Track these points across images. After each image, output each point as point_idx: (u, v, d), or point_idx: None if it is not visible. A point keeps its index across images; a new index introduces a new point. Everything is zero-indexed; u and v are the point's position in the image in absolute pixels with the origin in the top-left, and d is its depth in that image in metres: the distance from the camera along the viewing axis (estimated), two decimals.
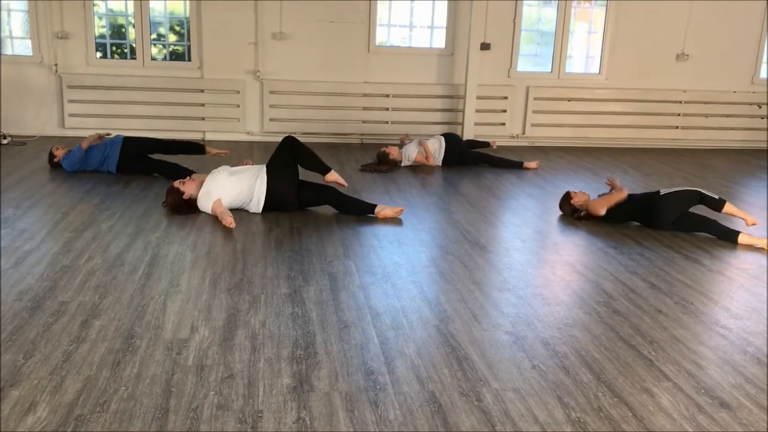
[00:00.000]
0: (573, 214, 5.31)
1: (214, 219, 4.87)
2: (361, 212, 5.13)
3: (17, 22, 7.90)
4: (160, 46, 8.25)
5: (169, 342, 2.98)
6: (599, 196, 5.37)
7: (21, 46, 7.90)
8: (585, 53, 9.01)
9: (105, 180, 5.91)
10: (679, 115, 8.90)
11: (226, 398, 2.56)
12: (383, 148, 7.00)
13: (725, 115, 8.97)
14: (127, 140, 6.18)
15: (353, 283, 3.78)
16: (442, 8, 8.39)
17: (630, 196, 5.22)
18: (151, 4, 7.97)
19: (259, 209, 5.08)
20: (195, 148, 6.32)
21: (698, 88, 8.87)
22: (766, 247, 4.70)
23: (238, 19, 7.93)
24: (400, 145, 7.17)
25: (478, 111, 8.24)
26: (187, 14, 8.03)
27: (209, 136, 8.09)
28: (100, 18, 8.05)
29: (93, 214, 4.90)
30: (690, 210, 5.06)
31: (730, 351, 3.12)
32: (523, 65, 8.69)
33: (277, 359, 2.86)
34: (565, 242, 4.74)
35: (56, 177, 5.94)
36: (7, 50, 7.84)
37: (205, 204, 4.99)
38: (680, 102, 8.86)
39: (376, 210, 5.07)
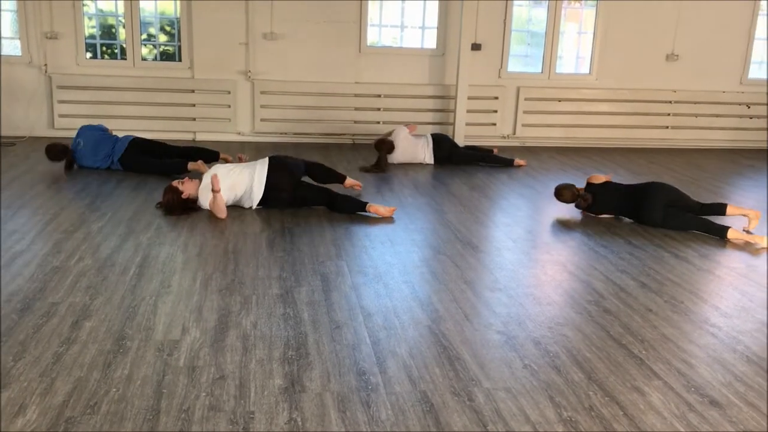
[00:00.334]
0: (575, 200, 5.37)
1: (206, 220, 4.86)
2: (353, 209, 5.15)
3: (6, 22, 7.84)
4: (151, 47, 8.22)
5: (160, 343, 2.97)
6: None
7: (10, 46, 7.85)
8: (575, 54, 9.04)
9: (95, 181, 5.89)
10: (668, 115, 8.94)
11: (217, 399, 2.55)
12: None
13: (714, 115, 9.02)
14: (134, 141, 6.32)
15: (345, 283, 3.78)
16: (433, 9, 8.40)
17: (623, 186, 5.40)
18: (142, 4, 7.94)
19: (256, 200, 5.12)
20: (210, 154, 6.41)
21: (688, 88, 8.92)
22: (758, 244, 4.79)
23: (229, 19, 7.91)
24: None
25: (469, 111, 8.25)
26: (178, 14, 8.00)
27: (200, 137, 8.07)
28: (89, 18, 8.01)
29: (83, 214, 4.87)
30: (679, 207, 5.14)
31: (720, 349, 3.14)
32: (513, 66, 8.70)
33: (268, 360, 2.86)
34: (555, 242, 4.76)
35: (46, 178, 5.91)
36: None
37: (205, 196, 5.00)
38: (670, 102, 8.90)
39: (368, 206, 5.11)
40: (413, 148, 7.19)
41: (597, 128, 8.79)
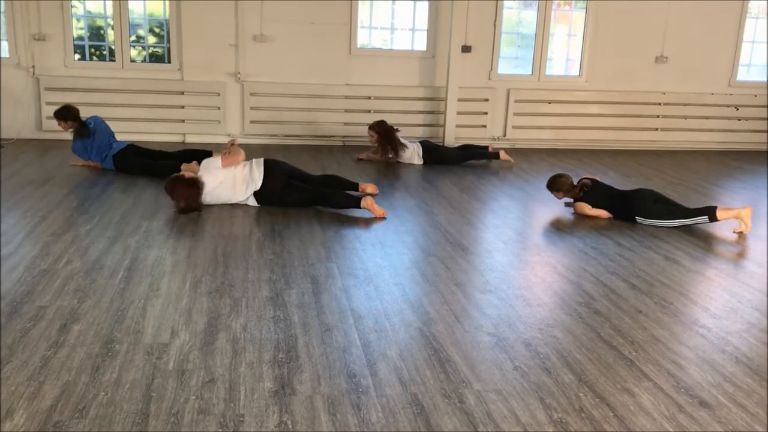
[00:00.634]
0: (572, 189, 5.44)
1: (195, 222, 4.84)
2: (345, 205, 5.25)
3: None
4: (140, 48, 8.19)
5: (149, 346, 2.95)
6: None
7: None
8: (565, 56, 9.06)
9: (84, 183, 5.85)
10: (658, 116, 8.98)
11: (207, 403, 2.54)
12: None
13: (703, 117, 9.07)
14: (129, 147, 6.39)
15: (335, 285, 3.77)
16: (423, 11, 8.40)
17: (613, 188, 5.53)
18: (130, 5, 7.91)
19: (258, 181, 5.25)
20: (203, 154, 6.38)
21: (677, 90, 8.96)
22: (741, 217, 5.00)
23: (219, 20, 7.89)
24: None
25: (459, 113, 8.26)
26: (167, 16, 7.97)
27: (189, 139, 8.03)
28: (78, 19, 7.97)
29: (71, 217, 4.84)
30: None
31: (709, 350, 3.16)
32: (503, 68, 8.72)
33: (258, 363, 2.85)
34: (546, 244, 4.77)
35: (34, 180, 5.87)
36: None
37: (209, 175, 5.22)
38: (659, 104, 8.94)
39: (362, 201, 5.16)
40: (407, 151, 7.30)
41: (587, 130, 8.82)
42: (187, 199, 5.07)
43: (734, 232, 5.05)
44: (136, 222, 4.79)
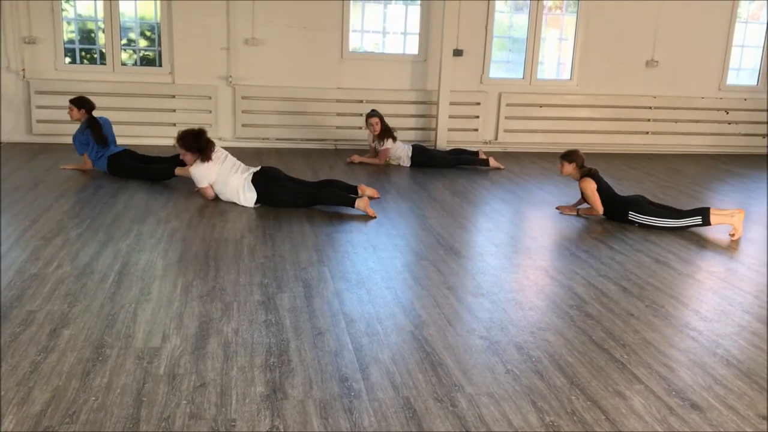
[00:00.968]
0: (581, 167, 5.49)
1: (186, 226, 4.83)
2: (340, 199, 5.34)
3: None
4: (131, 52, 8.16)
5: (140, 351, 2.94)
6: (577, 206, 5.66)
7: None
8: (556, 60, 9.10)
9: (74, 186, 5.83)
10: (649, 120, 9.03)
11: (198, 407, 2.52)
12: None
13: (694, 121, 9.12)
14: (125, 152, 6.40)
15: (327, 289, 3.76)
16: (415, 14, 8.42)
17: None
18: (121, 8, 7.89)
19: (254, 168, 5.49)
20: None
21: (667, 93, 9.01)
22: (733, 223, 5.03)
23: (210, 24, 7.88)
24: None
25: (451, 117, 8.28)
26: (158, 19, 7.96)
27: None
28: (68, 23, 7.95)
29: (62, 221, 4.82)
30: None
31: (700, 353, 3.17)
32: (495, 71, 8.75)
33: (250, 367, 2.84)
34: (537, 247, 4.78)
35: (24, 184, 5.83)
36: None
37: (200, 170, 5.48)
38: (650, 108, 8.99)
39: (356, 202, 5.26)
40: (396, 150, 7.38)
41: (578, 134, 8.86)
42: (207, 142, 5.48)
43: (729, 234, 5.07)
44: (126, 226, 4.77)
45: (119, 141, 6.67)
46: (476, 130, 8.64)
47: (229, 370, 2.80)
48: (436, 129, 8.28)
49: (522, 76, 8.78)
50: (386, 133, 7.31)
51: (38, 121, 7.78)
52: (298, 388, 2.68)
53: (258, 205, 5.42)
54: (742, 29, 9.18)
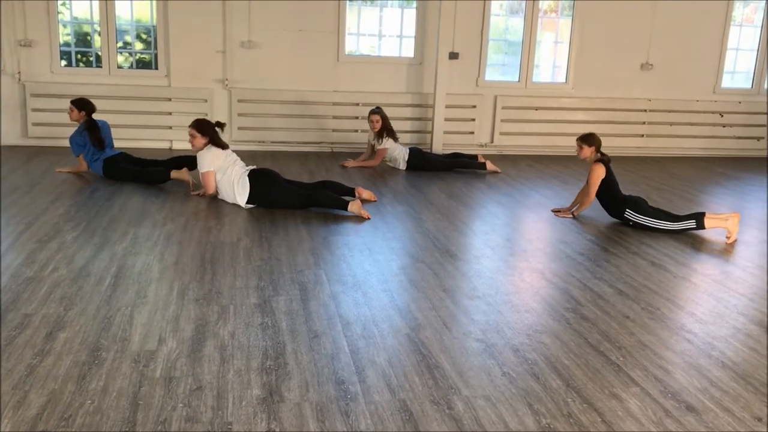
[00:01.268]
0: (598, 151, 5.55)
1: (182, 229, 4.82)
2: (334, 202, 5.38)
3: None
4: (127, 54, 8.16)
5: (137, 354, 2.93)
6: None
7: None
8: (552, 63, 9.13)
9: (70, 189, 5.82)
10: (644, 123, 9.06)
11: (194, 410, 2.52)
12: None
13: (688, 124, 9.15)
14: (120, 155, 6.39)
15: (323, 292, 3.76)
16: (411, 18, 8.44)
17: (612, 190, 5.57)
18: (117, 11, 7.88)
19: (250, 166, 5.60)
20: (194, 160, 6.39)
21: (662, 97, 9.04)
22: (728, 227, 5.03)
23: (206, 27, 7.88)
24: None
25: (447, 120, 8.29)
26: (154, 22, 7.96)
27: (176, 145, 8.00)
28: (64, 25, 7.94)
29: (57, 224, 4.81)
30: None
31: (696, 355, 3.18)
32: (491, 74, 8.77)
33: (246, 370, 2.83)
34: (533, 250, 4.79)
35: (20, 186, 5.82)
36: None
37: (205, 156, 5.61)
38: (645, 111, 9.02)
39: (349, 205, 5.31)
40: (392, 151, 7.39)
41: (573, 136, 8.72)
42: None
43: (726, 237, 5.08)
44: (123, 229, 4.76)
45: (116, 144, 6.66)
46: (472, 132, 8.65)
47: (226, 373, 2.80)
48: (432, 132, 8.29)
49: (518, 79, 8.80)
50: (387, 132, 7.32)
51: (34, 124, 7.77)
52: (295, 391, 2.68)
53: (251, 205, 5.43)
54: (737, 32, 9.22)
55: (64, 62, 7.91)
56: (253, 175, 5.47)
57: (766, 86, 9.35)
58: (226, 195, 5.56)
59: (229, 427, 2.43)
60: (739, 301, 3.91)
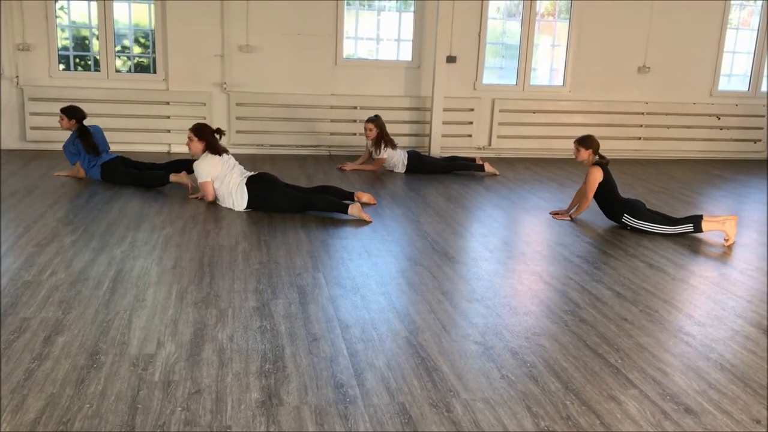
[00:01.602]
0: (596, 153, 5.53)
1: (181, 233, 4.82)
2: (334, 205, 5.37)
3: None
4: (125, 58, 8.16)
5: (135, 358, 2.93)
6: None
7: None
8: (549, 66, 9.14)
9: (68, 193, 5.82)
10: (641, 126, 9.07)
11: (193, 414, 2.52)
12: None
13: (685, 127, 9.17)
14: (117, 158, 6.38)
15: (322, 295, 3.76)
16: (409, 21, 8.45)
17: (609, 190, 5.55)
18: (116, 15, 7.89)
19: (248, 173, 5.58)
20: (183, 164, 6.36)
21: (659, 99, 9.06)
22: (725, 230, 5.03)
23: (204, 31, 7.89)
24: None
25: (444, 123, 8.30)
26: (153, 26, 7.96)
27: (175, 149, 8.01)
28: (63, 30, 7.94)
29: (56, 228, 4.81)
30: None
31: (694, 357, 3.18)
32: (488, 78, 8.78)
33: (245, 373, 2.83)
34: (531, 252, 4.79)
35: (18, 190, 5.82)
36: None
37: (204, 165, 5.59)
38: (642, 113, 9.03)
39: (349, 209, 5.30)
40: (391, 158, 7.36)
41: (571, 139, 8.72)
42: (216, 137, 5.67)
43: (724, 240, 5.08)
44: (121, 232, 4.76)
45: (113, 148, 6.66)
46: (470, 136, 8.67)
47: (224, 377, 2.80)
48: (429, 135, 8.30)
49: (515, 83, 8.82)
50: (385, 142, 7.28)
51: (32, 128, 7.77)
52: (294, 395, 2.68)
53: (249, 209, 5.43)
54: (733, 35, 9.25)
55: (62, 66, 7.91)
56: (251, 181, 5.47)
57: (764, 89, 9.37)
58: (224, 202, 5.55)
59: (228, 431, 2.42)
60: (737, 303, 3.92)
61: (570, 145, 8.75)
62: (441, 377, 2.88)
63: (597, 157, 5.54)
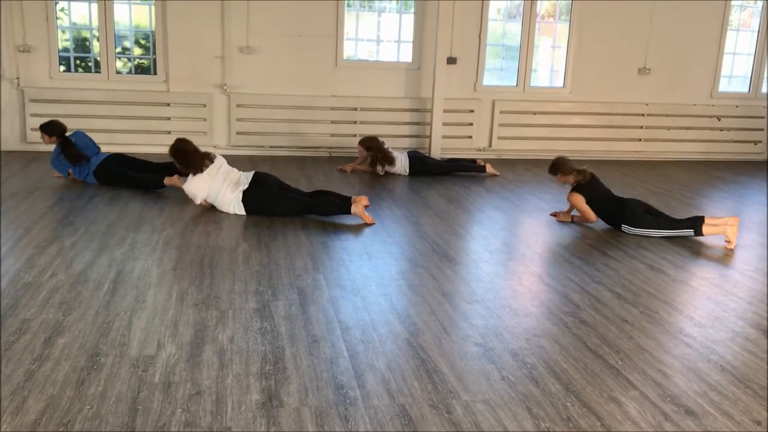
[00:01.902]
0: (572, 173, 5.49)
1: (181, 234, 4.83)
2: (335, 208, 5.33)
3: None
4: (125, 60, 8.17)
5: (135, 359, 2.93)
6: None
7: None
8: (549, 67, 9.14)
9: (68, 195, 5.82)
10: (641, 127, 9.07)
11: (194, 415, 2.52)
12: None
13: (686, 128, 9.17)
14: (112, 156, 6.31)
15: (322, 296, 3.76)
16: (409, 23, 8.45)
17: (603, 193, 5.51)
18: (116, 17, 7.89)
19: (245, 183, 5.40)
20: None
21: (660, 101, 9.06)
22: (728, 223, 5.01)
23: (205, 32, 7.89)
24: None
25: (445, 124, 8.30)
26: (153, 27, 7.97)
27: None
28: (63, 31, 7.95)
29: (56, 229, 4.81)
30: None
31: (695, 359, 3.18)
32: (489, 79, 8.78)
33: (245, 375, 2.83)
34: (532, 253, 4.79)
35: (19, 192, 5.82)
36: None
37: (195, 183, 5.45)
38: (642, 115, 9.03)
39: (352, 209, 5.27)
40: (395, 167, 7.32)
41: (571, 141, 8.89)
42: (195, 153, 5.51)
43: (725, 241, 5.07)
44: (121, 234, 4.76)
45: (115, 149, 6.65)
46: (470, 137, 8.67)
47: (225, 378, 2.80)
48: (430, 136, 8.30)
49: (515, 84, 8.82)
50: (381, 162, 7.19)
51: (33, 130, 7.75)
52: (294, 396, 2.68)
53: (246, 214, 5.39)
54: (734, 37, 9.25)
55: (62, 68, 7.91)
56: (248, 194, 5.34)
57: (765, 90, 9.37)
58: (223, 209, 5.48)
59: None
60: (737, 304, 3.91)
61: (571, 146, 8.87)
62: (441, 379, 2.88)
63: (576, 174, 5.48)
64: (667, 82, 9.02)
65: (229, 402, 2.62)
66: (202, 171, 5.45)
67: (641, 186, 7.27)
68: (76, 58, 8.07)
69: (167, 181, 6.01)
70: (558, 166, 5.56)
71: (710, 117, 9.20)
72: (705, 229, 5.08)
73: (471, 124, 8.64)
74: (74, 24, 8.05)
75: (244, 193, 5.36)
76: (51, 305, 3.47)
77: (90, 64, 8.11)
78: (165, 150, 7.99)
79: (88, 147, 6.36)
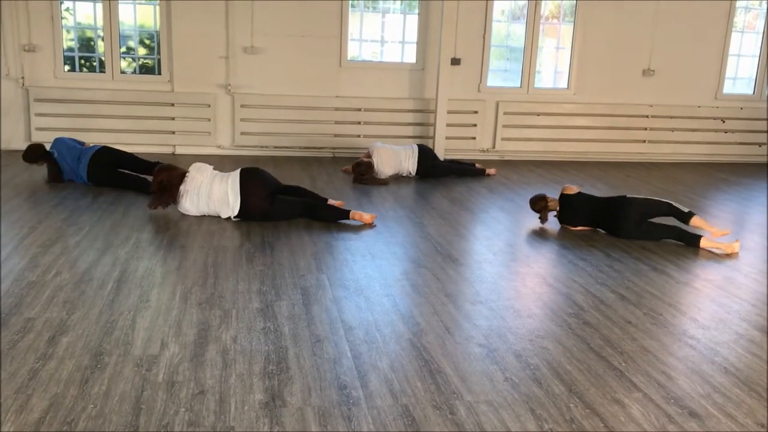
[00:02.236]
0: (547, 206, 5.44)
1: (185, 234, 4.83)
2: (336, 217, 5.25)
3: None
4: (130, 60, 8.18)
5: (139, 358, 2.94)
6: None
7: None
8: (553, 69, 9.13)
9: (73, 194, 5.83)
10: (645, 129, 9.06)
11: (197, 415, 2.52)
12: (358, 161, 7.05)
13: (690, 130, 9.16)
14: (103, 150, 6.19)
15: (326, 296, 3.76)
16: (413, 24, 8.46)
17: (596, 198, 5.43)
18: (121, 17, 7.91)
19: (234, 209, 5.15)
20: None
21: (664, 102, 9.05)
22: (726, 251, 4.91)
23: (209, 32, 7.90)
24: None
25: (448, 125, 8.29)
26: (158, 27, 7.98)
27: (179, 150, 8.03)
28: (68, 31, 7.97)
29: (60, 228, 4.82)
30: (654, 219, 5.24)
31: (699, 361, 3.17)
32: (492, 80, 8.78)
33: (248, 375, 2.84)
34: (535, 255, 4.79)
35: (23, 191, 5.84)
36: None
37: (187, 198, 5.22)
38: (647, 116, 9.02)
39: (351, 213, 5.22)
40: (397, 157, 7.20)
41: (575, 142, 8.88)
42: (170, 178, 5.19)
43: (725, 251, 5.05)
44: (125, 233, 4.77)
45: (117, 149, 6.63)
46: (474, 138, 8.66)
47: (228, 378, 2.80)
48: (433, 137, 8.30)
49: (519, 85, 8.81)
50: (376, 181, 6.93)
51: (37, 129, 7.78)
52: (297, 396, 2.69)
53: (239, 219, 5.26)
54: (738, 38, 9.23)
55: (67, 67, 7.93)
56: (244, 214, 5.17)
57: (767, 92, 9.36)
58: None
59: None
60: (741, 306, 3.91)
61: (575, 147, 8.86)
62: (444, 379, 2.88)
63: (553, 204, 5.44)
64: (672, 83, 9.01)
65: (232, 401, 2.62)
66: (175, 201, 5.25)
67: (645, 188, 7.26)
68: (80, 58, 8.09)
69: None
70: (534, 203, 5.52)
71: (715, 119, 9.18)
72: (703, 242, 5.01)
73: (475, 125, 8.63)
74: (79, 24, 8.07)
75: (240, 211, 5.16)
76: (55, 304, 3.48)
77: (95, 63, 8.12)
78: (169, 150, 8.07)
79: (72, 148, 6.23)
